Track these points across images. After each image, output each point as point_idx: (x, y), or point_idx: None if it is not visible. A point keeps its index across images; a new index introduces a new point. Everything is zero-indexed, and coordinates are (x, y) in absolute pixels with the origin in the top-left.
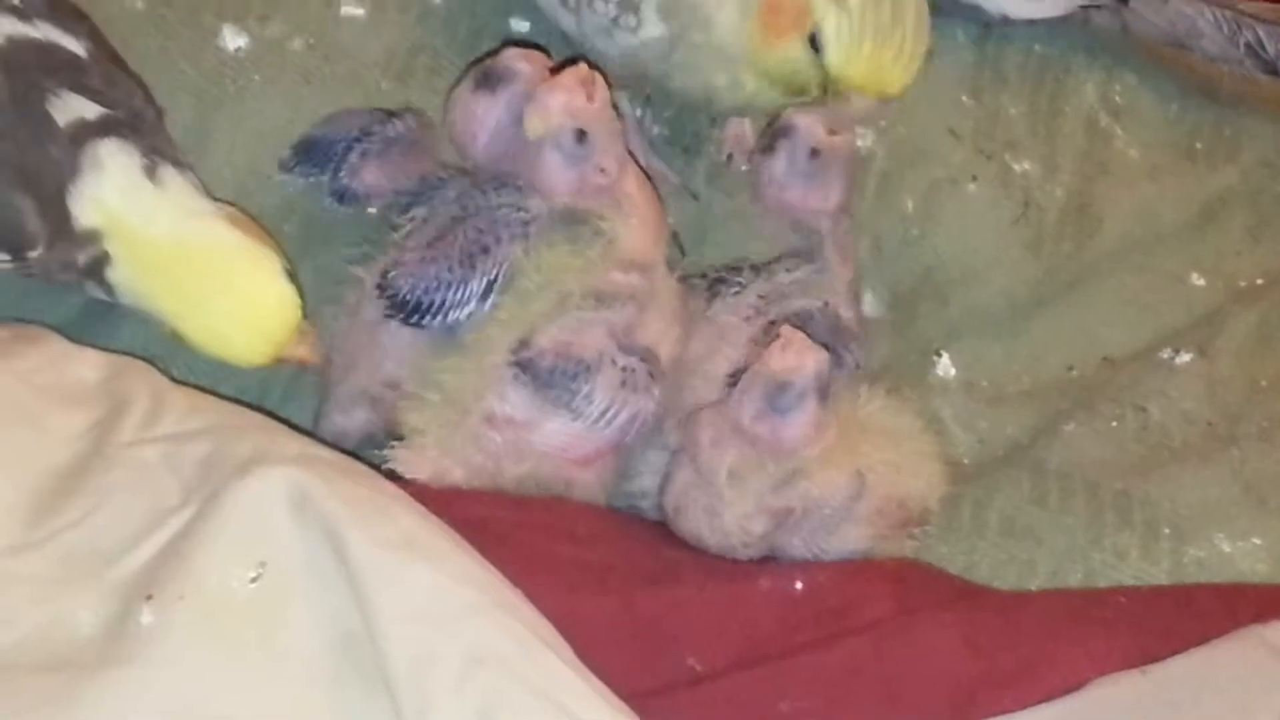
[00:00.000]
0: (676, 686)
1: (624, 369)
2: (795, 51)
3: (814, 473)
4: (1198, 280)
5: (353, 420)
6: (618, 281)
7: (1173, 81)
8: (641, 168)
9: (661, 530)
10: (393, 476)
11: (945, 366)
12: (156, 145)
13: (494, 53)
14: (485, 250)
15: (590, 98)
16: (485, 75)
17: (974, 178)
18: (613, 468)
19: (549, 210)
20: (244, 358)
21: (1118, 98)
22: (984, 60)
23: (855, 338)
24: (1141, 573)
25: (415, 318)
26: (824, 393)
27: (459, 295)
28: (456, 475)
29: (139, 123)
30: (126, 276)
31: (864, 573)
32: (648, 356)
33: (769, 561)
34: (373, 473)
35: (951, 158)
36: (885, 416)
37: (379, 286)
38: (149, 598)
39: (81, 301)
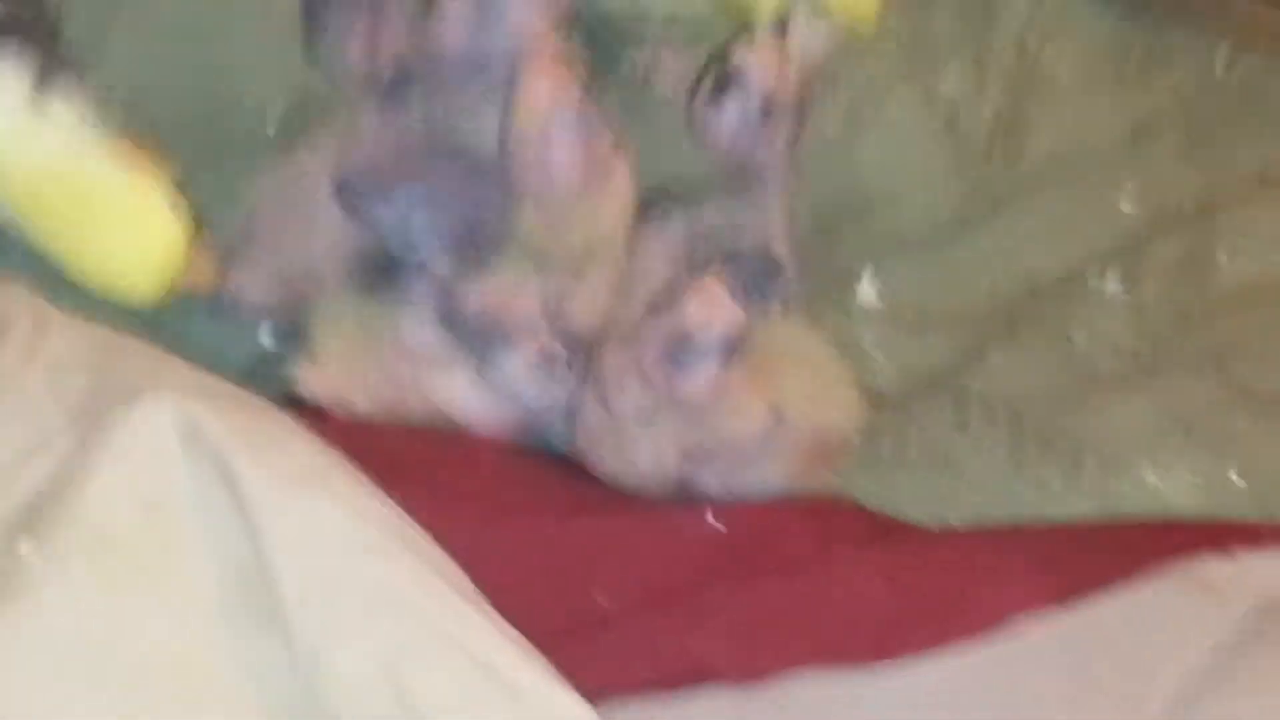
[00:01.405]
0: (585, 625)
1: (542, 352)
2: None
3: (728, 406)
4: (1126, 204)
5: (256, 286)
6: (565, 244)
7: None
8: None
9: (575, 466)
10: (292, 403)
11: (866, 290)
12: (52, 55)
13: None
14: None
15: (573, 75)
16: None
17: (898, 96)
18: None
19: None
20: (133, 294)
21: (1048, 15)
22: None
23: (784, 273)
24: (1066, 505)
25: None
26: (729, 353)
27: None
28: (359, 402)
29: (38, 25)
30: (3, 206)
31: (782, 510)
32: (572, 343)
33: (685, 499)
34: (268, 405)
35: (875, 75)
36: (801, 344)
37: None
38: (30, 530)
39: None
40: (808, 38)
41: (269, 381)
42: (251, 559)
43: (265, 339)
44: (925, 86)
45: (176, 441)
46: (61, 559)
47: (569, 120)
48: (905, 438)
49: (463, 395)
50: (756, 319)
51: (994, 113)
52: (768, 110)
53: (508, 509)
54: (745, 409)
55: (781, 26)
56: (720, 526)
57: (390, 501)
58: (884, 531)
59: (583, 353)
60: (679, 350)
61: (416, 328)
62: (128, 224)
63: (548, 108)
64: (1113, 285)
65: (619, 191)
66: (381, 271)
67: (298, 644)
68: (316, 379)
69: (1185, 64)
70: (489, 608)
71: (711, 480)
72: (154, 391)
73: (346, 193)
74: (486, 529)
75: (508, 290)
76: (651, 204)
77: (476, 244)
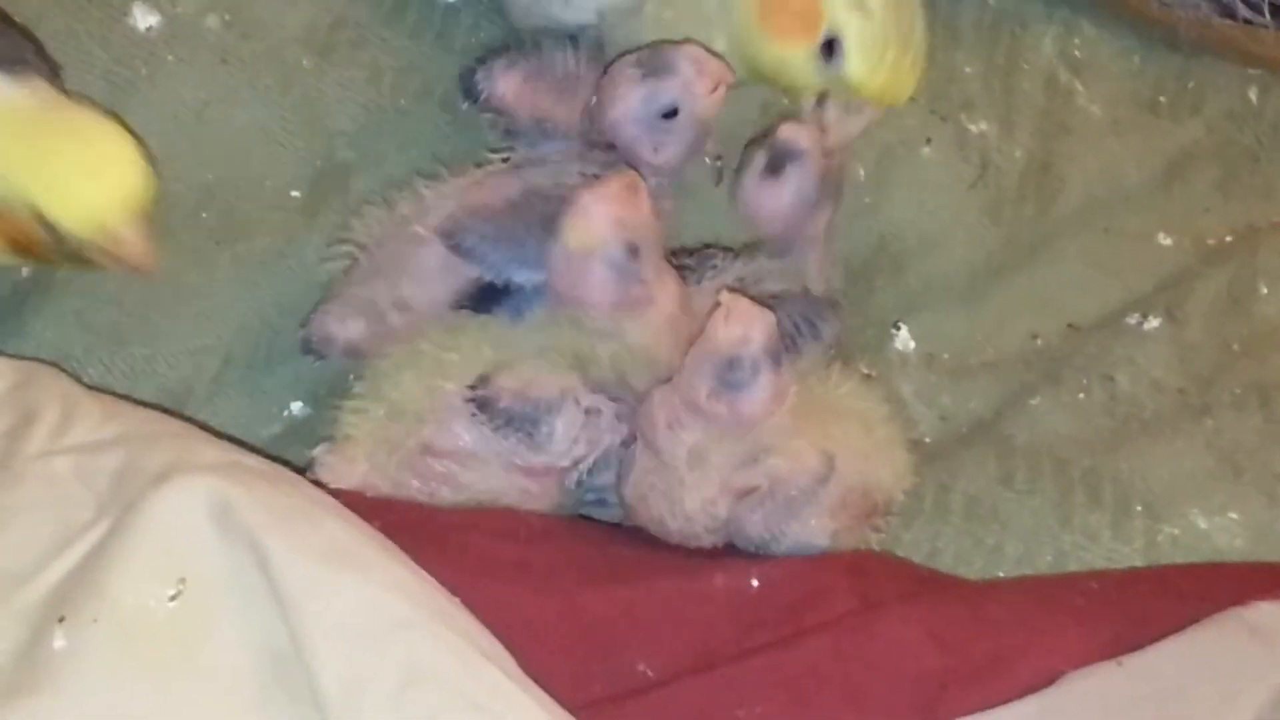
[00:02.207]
0: (627, 695)
1: (588, 410)
2: (799, 56)
3: (781, 449)
4: (1165, 240)
5: (345, 329)
6: (603, 349)
7: (1133, 33)
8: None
9: (611, 530)
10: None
11: (904, 340)
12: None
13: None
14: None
15: (638, 208)
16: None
17: (928, 141)
18: (556, 489)
19: None
20: (88, 213)
21: (1077, 52)
22: (936, 17)
23: (832, 307)
24: (1114, 553)
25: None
26: (776, 357)
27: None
28: (382, 490)
29: (24, 69)
30: None
31: (822, 566)
32: (618, 392)
33: (723, 558)
34: (298, 479)
35: (904, 121)
36: (855, 401)
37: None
38: (61, 620)
39: None
40: (847, 116)
41: (298, 453)
42: (287, 642)
43: (295, 409)
44: (956, 128)
45: (208, 522)
46: (92, 648)
47: (614, 259)
48: (948, 490)
49: (502, 487)
50: (809, 361)
51: (1026, 154)
52: (823, 186)
53: (544, 577)
54: (798, 452)
55: (822, 102)
56: (760, 586)
57: (425, 574)
58: (928, 587)
59: (631, 398)
60: (730, 374)
61: (449, 425)
62: (92, 139)
63: (597, 238)
64: (1153, 323)
65: (660, 314)
66: (485, 296)
67: None
68: (341, 470)
69: (1218, 96)
70: (529, 681)
71: (757, 526)
72: (184, 472)
73: (460, 235)
74: (522, 598)
75: (535, 370)
76: (705, 260)
77: None
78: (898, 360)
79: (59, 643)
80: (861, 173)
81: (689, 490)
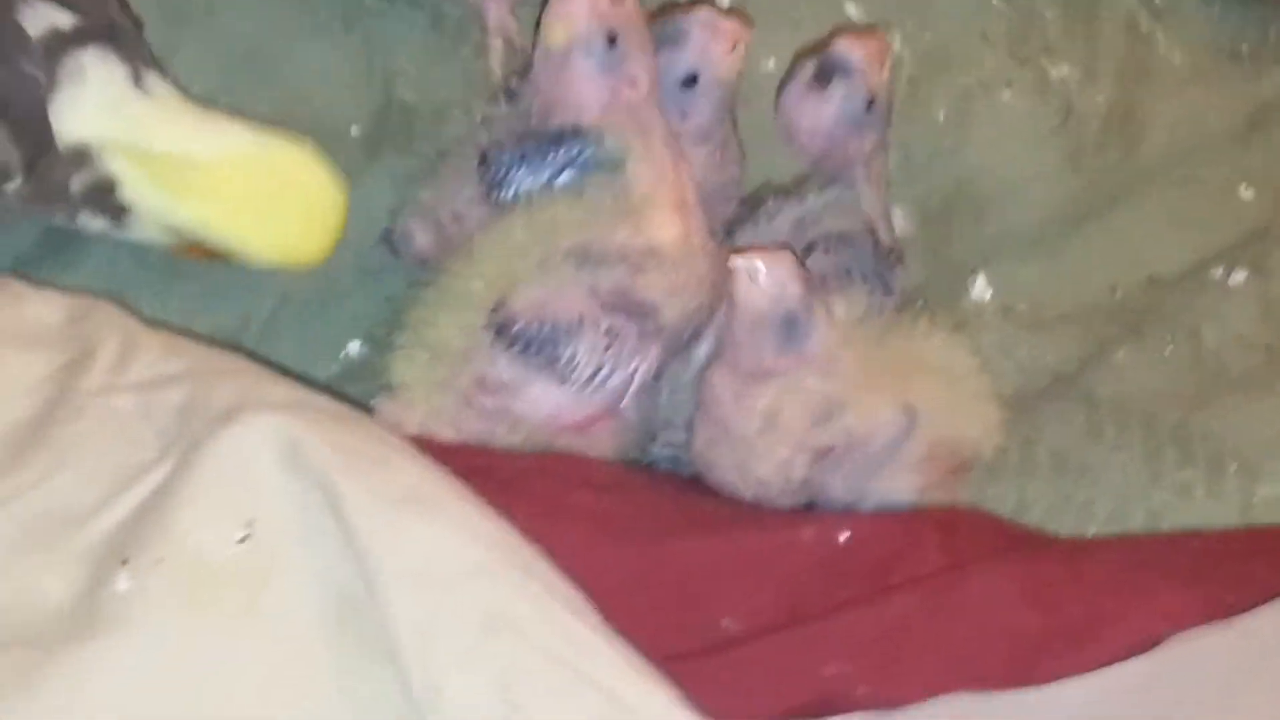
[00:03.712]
0: (710, 649)
1: (610, 331)
2: None
3: (857, 405)
4: (1246, 193)
5: (416, 233)
6: (609, 241)
7: None
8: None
9: (689, 482)
10: None
11: (981, 289)
12: (138, 56)
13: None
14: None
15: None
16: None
17: (1009, 84)
18: (618, 434)
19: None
20: (306, 256)
21: None
22: None
23: (899, 259)
24: (1209, 513)
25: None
26: (816, 288)
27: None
28: (445, 435)
29: (116, 33)
30: (146, 195)
31: (912, 521)
32: (640, 312)
33: (810, 511)
34: (368, 420)
35: (984, 63)
36: (938, 353)
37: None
38: (125, 562)
39: (37, 235)
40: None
41: (357, 396)
42: (359, 587)
43: (353, 349)
44: (1036, 73)
45: (276, 463)
46: (157, 590)
47: (595, 49)
48: (1033, 444)
49: (550, 409)
50: (881, 315)
51: (1107, 101)
52: (870, 104)
53: (623, 527)
54: (875, 409)
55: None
56: (848, 539)
57: (503, 521)
58: (1020, 544)
59: (657, 320)
60: (790, 332)
61: (490, 356)
62: (294, 180)
63: (575, 30)
64: (1238, 278)
65: (658, 145)
66: None
67: (412, 678)
68: (401, 418)
69: None
70: (611, 632)
71: (838, 486)
72: (251, 410)
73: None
74: (601, 549)
75: (552, 291)
76: (755, 203)
77: None
78: (973, 310)
79: (123, 585)
80: (941, 115)
81: (761, 456)
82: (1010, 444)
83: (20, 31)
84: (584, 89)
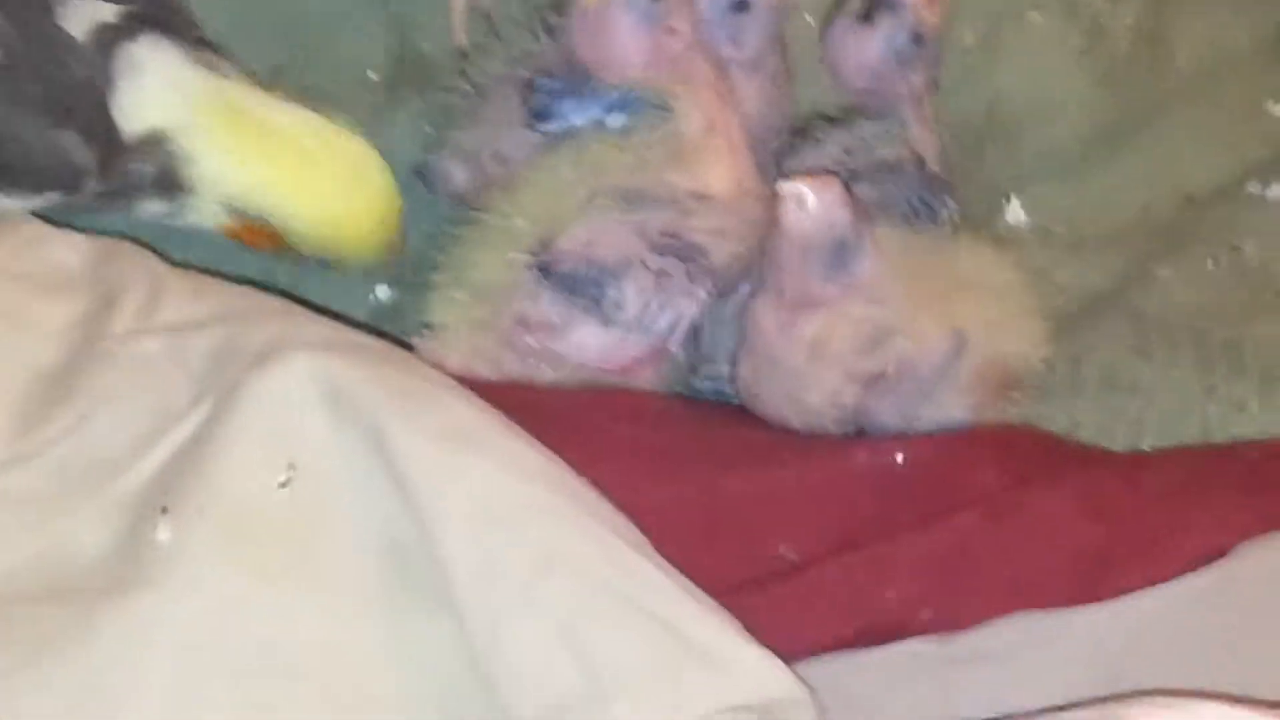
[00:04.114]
0: (769, 578)
1: (659, 271)
2: None
3: (907, 329)
4: (1275, 108)
5: (455, 171)
6: (659, 182)
7: None
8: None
9: (737, 411)
10: None
11: (1015, 212)
12: (188, 35)
13: None
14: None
15: None
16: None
17: (1036, 5)
18: (662, 374)
19: None
20: (358, 242)
21: None
22: None
23: (948, 188)
24: (1264, 425)
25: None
26: (864, 213)
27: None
28: (486, 374)
29: (164, 14)
30: (210, 165)
31: (967, 441)
32: (688, 253)
33: (862, 435)
34: (411, 357)
35: None
36: (984, 270)
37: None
38: (164, 511)
39: None
40: None
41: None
42: (410, 531)
43: (381, 293)
44: None
45: (318, 403)
46: (198, 541)
47: (635, 2)
48: (1080, 363)
49: (595, 351)
50: (928, 240)
51: (1135, 20)
52: (917, 41)
53: (674, 460)
54: (924, 333)
55: None
56: (903, 461)
57: (556, 458)
58: (1078, 460)
59: (706, 261)
60: (839, 257)
61: (533, 294)
62: (352, 170)
63: None
64: (1275, 191)
65: (706, 89)
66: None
67: (470, 622)
68: (438, 352)
69: None
70: (670, 566)
71: (890, 412)
72: (289, 350)
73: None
74: (654, 483)
75: (597, 231)
76: (802, 131)
77: None
78: (1008, 233)
79: (163, 535)
80: (969, 38)
81: (810, 385)
82: (1058, 362)
83: (62, 34)
84: (626, 45)
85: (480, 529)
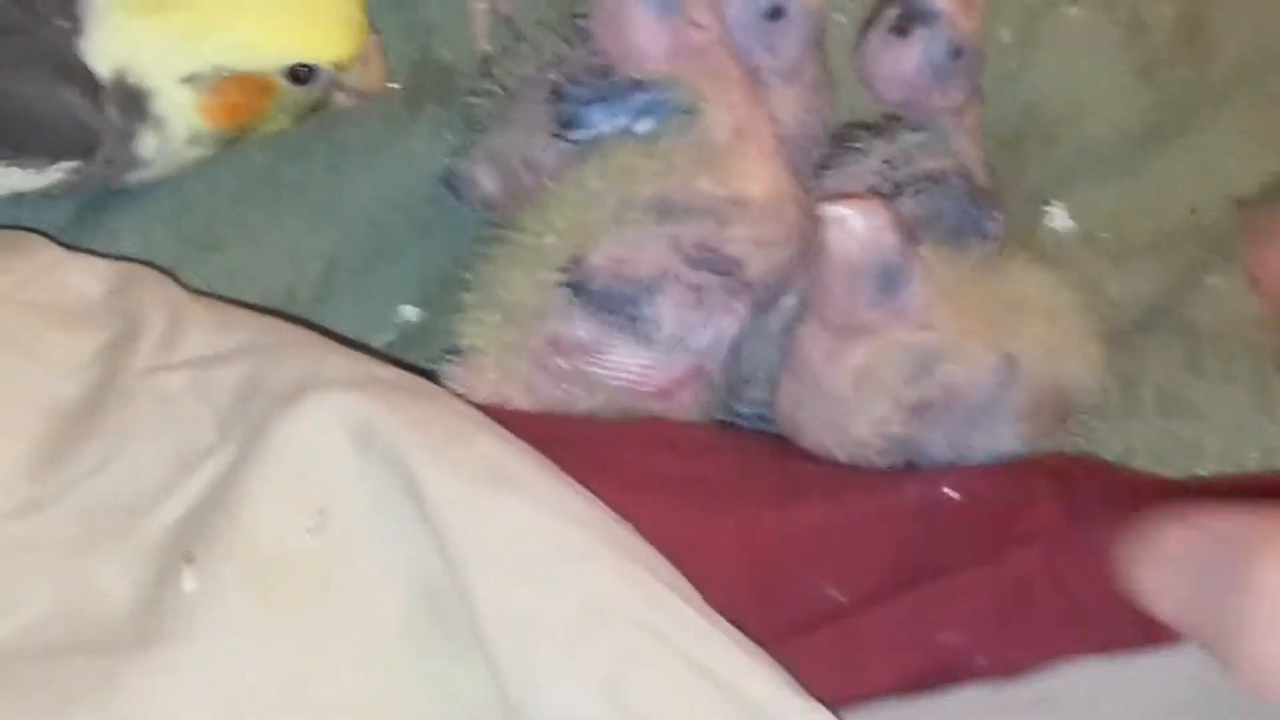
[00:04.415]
0: (816, 621)
1: (695, 287)
2: None
3: (955, 354)
4: None
5: (483, 177)
6: (691, 190)
7: None
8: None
9: (779, 442)
10: None
11: (1059, 218)
12: None
13: None
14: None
15: None
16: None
17: (1074, 0)
18: (702, 397)
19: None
20: (343, 45)
21: None
22: None
23: (996, 201)
24: None
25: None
26: (913, 236)
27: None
28: (520, 401)
29: None
30: (170, 63)
31: (1021, 472)
32: (727, 267)
33: (911, 468)
34: (442, 392)
35: None
36: (1035, 291)
37: (553, 90)
38: (190, 559)
39: (71, 211)
40: None
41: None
42: (442, 575)
43: (409, 314)
44: None
45: (346, 445)
46: (225, 591)
47: None
48: (1135, 383)
49: (632, 373)
50: (974, 259)
51: (1176, 13)
52: (955, 55)
53: (715, 495)
54: (974, 358)
55: None
56: (956, 495)
57: (593, 497)
58: (1136, 490)
59: (743, 275)
60: (888, 283)
61: (566, 315)
62: None
63: None
64: None
65: (736, 104)
66: None
67: (505, 672)
68: (471, 383)
69: None
70: (713, 612)
71: (939, 443)
72: (317, 388)
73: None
74: (692, 519)
75: (630, 246)
76: (843, 140)
77: None
78: (1052, 240)
79: (189, 585)
80: (1005, 36)
81: (856, 415)
82: (1112, 384)
83: None
84: (643, 35)
85: (515, 577)
